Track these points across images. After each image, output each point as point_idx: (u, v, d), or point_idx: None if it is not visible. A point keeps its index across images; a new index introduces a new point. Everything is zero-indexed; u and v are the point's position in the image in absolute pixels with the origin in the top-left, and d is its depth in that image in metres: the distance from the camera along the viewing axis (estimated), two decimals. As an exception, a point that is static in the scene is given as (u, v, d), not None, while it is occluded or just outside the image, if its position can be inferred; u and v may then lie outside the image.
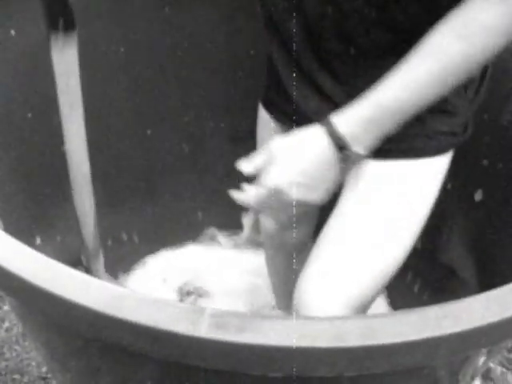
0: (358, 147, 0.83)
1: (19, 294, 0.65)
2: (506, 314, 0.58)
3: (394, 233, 0.96)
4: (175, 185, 1.65)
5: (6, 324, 1.63)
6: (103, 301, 0.57)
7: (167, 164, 1.62)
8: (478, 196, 1.27)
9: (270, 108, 1.17)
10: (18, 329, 1.60)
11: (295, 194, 0.86)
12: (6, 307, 1.66)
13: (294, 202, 0.88)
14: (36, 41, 1.09)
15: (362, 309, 0.98)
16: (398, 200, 0.96)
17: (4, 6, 1.15)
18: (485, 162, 1.24)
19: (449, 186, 1.36)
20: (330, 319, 0.56)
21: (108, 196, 1.50)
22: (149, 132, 1.55)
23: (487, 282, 1.23)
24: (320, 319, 0.58)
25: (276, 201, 0.88)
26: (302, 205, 0.88)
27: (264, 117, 1.20)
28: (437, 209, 1.41)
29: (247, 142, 1.61)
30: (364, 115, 0.82)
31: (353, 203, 0.97)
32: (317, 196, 0.87)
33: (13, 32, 1.19)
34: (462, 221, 1.34)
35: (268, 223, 1.30)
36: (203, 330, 0.53)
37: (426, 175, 0.98)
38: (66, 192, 1.15)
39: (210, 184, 1.68)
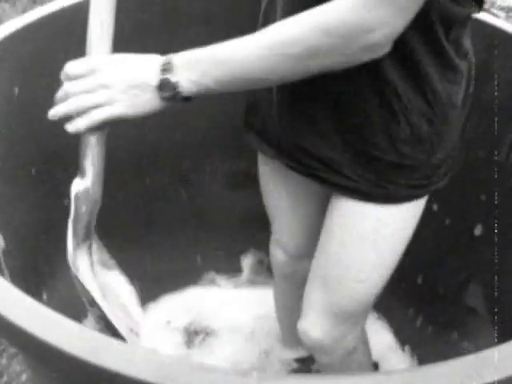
0: (178, 77, 0.84)
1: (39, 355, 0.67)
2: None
3: (364, 273, 1.05)
4: (174, 231, 1.66)
5: (5, 378, 1.62)
6: (146, 369, 0.58)
7: (165, 211, 1.63)
8: (478, 231, 1.30)
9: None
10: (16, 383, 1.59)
11: (108, 95, 0.86)
12: (4, 361, 1.65)
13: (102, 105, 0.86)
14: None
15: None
16: (367, 242, 1.03)
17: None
18: (483, 197, 1.28)
19: (447, 222, 1.39)
20: (373, 376, 0.57)
21: (108, 245, 1.51)
22: (147, 181, 1.57)
23: (495, 311, 1.26)
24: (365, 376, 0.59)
25: (89, 83, 0.86)
26: (107, 115, 0.86)
27: (261, 159, 1.23)
28: (436, 244, 1.44)
29: (245, 187, 1.64)
30: (195, 55, 0.85)
31: (328, 244, 1.07)
32: (125, 109, 0.87)
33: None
34: (463, 255, 1.37)
35: (278, 254, 1.33)
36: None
37: (396, 219, 1.02)
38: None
39: (208, 229, 1.69)
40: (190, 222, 1.68)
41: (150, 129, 1.47)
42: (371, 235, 1.02)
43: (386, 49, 0.81)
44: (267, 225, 1.49)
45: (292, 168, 1.08)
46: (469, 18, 0.93)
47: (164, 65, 0.85)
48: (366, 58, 0.81)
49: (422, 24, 0.85)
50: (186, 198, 1.65)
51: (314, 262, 1.13)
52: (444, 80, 0.92)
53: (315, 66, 0.82)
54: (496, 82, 1.16)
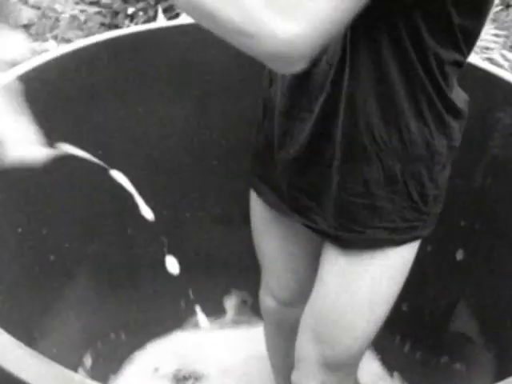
0: None
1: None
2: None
3: (359, 329, 1.06)
4: (156, 276, 1.66)
5: None
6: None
7: (148, 258, 1.64)
8: (460, 255, 1.34)
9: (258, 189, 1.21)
10: None
11: None
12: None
13: None
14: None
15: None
16: (363, 302, 1.04)
17: None
18: (462, 223, 1.32)
19: (429, 249, 1.43)
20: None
21: (95, 294, 1.51)
22: (129, 229, 1.57)
23: (483, 332, 1.30)
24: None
25: None
26: None
27: (253, 199, 1.25)
28: (419, 271, 1.47)
29: (225, 230, 1.66)
30: None
31: (322, 300, 1.07)
32: None
33: None
34: (446, 280, 1.41)
35: (268, 300, 1.32)
36: None
37: (389, 274, 1.03)
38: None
39: (190, 273, 1.69)
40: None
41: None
42: (366, 295, 1.03)
43: (298, 66, 0.75)
44: (248, 266, 1.50)
45: (288, 214, 1.09)
46: (456, 65, 0.92)
47: None
48: (273, 66, 0.78)
49: (403, 65, 0.86)
50: (167, 243, 1.65)
51: (307, 312, 1.13)
52: (422, 123, 0.92)
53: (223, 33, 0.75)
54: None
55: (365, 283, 1.02)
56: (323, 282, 1.07)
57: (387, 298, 1.05)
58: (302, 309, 1.30)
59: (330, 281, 1.05)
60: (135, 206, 1.55)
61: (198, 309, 1.76)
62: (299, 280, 1.25)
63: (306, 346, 1.13)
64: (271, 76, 1.06)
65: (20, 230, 1.24)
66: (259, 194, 1.18)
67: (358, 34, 0.86)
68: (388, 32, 0.85)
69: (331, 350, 1.09)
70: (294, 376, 1.18)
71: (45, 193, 1.31)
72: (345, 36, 0.88)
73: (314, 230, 1.05)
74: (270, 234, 1.23)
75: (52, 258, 1.35)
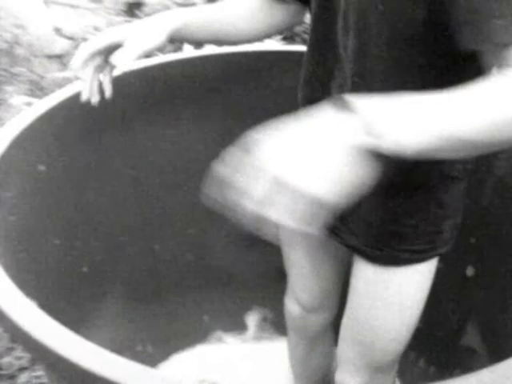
0: (392, 137, 0.74)
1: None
2: None
3: (394, 332, 1.14)
4: (181, 293, 1.74)
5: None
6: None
7: (173, 275, 1.72)
8: (470, 272, 1.41)
9: None
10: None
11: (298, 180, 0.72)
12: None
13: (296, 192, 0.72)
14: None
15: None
16: (394, 307, 1.12)
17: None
18: (472, 241, 1.39)
19: (440, 266, 1.49)
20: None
21: (123, 308, 1.60)
22: (156, 246, 1.66)
23: (493, 348, 1.35)
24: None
25: (280, 194, 0.73)
26: (307, 197, 0.72)
27: None
28: (431, 289, 1.53)
29: (248, 247, 1.73)
30: (399, 104, 0.76)
31: (357, 311, 1.16)
32: (319, 186, 0.73)
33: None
34: (457, 297, 1.47)
35: (292, 306, 1.39)
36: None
37: (414, 281, 1.12)
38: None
39: (213, 289, 1.77)
40: (197, 283, 1.76)
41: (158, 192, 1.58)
42: (396, 300, 1.11)
43: None
44: (269, 283, 1.57)
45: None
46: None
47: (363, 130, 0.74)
48: None
49: None
50: (193, 261, 1.74)
51: (345, 323, 1.21)
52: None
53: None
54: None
55: (393, 289, 1.10)
56: (356, 291, 1.16)
57: (415, 302, 1.13)
58: (324, 316, 1.37)
59: (362, 288, 1.14)
60: (161, 223, 1.65)
61: (220, 325, 1.84)
62: (324, 285, 1.32)
63: (346, 349, 1.22)
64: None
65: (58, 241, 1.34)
66: None
67: None
68: None
69: (370, 352, 1.18)
70: (338, 376, 1.26)
71: (77, 207, 1.41)
72: None
73: (342, 242, 1.14)
74: (298, 243, 1.30)
75: (85, 269, 1.44)
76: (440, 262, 1.48)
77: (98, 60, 1.16)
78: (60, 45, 3.54)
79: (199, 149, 1.60)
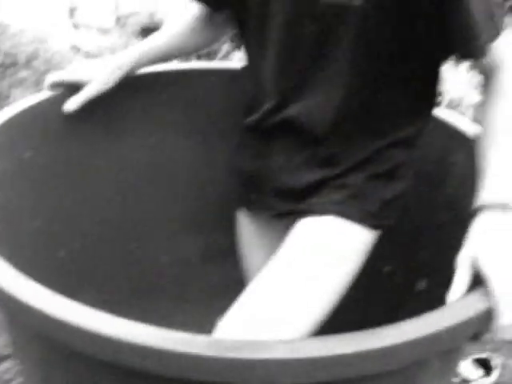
0: None
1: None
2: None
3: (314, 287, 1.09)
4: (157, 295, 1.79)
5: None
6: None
7: (149, 276, 1.78)
8: (423, 285, 1.47)
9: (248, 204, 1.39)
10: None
11: None
12: None
13: None
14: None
15: None
16: (320, 258, 1.11)
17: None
18: (425, 255, 1.46)
19: (396, 280, 1.57)
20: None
21: (98, 304, 1.65)
22: (133, 247, 1.74)
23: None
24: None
25: None
26: None
27: (242, 222, 1.43)
28: (385, 300, 1.60)
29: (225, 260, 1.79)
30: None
31: (282, 259, 1.13)
32: None
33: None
34: (410, 309, 1.53)
35: None
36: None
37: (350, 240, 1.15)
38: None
39: (184, 301, 1.82)
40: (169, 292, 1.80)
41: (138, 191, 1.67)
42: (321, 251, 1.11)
43: None
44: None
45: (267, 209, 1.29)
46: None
47: None
48: None
49: None
50: (167, 262, 1.80)
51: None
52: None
53: None
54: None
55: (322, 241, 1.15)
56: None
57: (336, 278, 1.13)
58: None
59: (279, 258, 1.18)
60: (140, 223, 1.73)
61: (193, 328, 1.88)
62: None
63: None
64: None
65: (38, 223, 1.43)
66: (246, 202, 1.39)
67: None
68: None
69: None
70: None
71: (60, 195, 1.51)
72: None
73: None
74: (257, 245, 1.40)
75: (62, 254, 1.52)
76: (395, 275, 1.56)
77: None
78: (76, 62, 3.72)
79: (181, 154, 1.69)
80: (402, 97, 1.17)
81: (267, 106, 1.25)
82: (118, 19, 4.53)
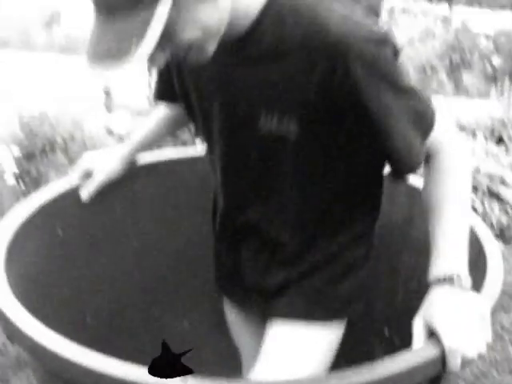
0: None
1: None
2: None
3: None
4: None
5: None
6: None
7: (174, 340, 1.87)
8: (386, 332, 1.68)
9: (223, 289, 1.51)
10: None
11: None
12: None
13: None
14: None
15: None
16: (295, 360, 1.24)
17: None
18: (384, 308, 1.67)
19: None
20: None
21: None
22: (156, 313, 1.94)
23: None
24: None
25: None
26: None
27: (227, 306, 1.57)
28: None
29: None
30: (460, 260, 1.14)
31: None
32: None
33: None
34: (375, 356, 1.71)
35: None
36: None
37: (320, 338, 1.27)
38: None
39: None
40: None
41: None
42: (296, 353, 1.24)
43: None
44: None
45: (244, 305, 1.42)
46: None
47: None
48: None
49: None
50: (188, 327, 1.96)
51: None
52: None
53: None
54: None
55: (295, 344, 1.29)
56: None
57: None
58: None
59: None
60: (161, 291, 1.89)
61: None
62: None
63: None
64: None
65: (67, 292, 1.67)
66: (227, 295, 1.52)
67: None
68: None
69: None
70: None
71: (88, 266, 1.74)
72: None
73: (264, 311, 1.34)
74: (242, 332, 1.55)
75: (88, 320, 1.74)
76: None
77: None
78: (110, 144, 3.87)
79: (193, 232, 1.91)
80: (351, 200, 1.26)
81: (226, 205, 1.34)
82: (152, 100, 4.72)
